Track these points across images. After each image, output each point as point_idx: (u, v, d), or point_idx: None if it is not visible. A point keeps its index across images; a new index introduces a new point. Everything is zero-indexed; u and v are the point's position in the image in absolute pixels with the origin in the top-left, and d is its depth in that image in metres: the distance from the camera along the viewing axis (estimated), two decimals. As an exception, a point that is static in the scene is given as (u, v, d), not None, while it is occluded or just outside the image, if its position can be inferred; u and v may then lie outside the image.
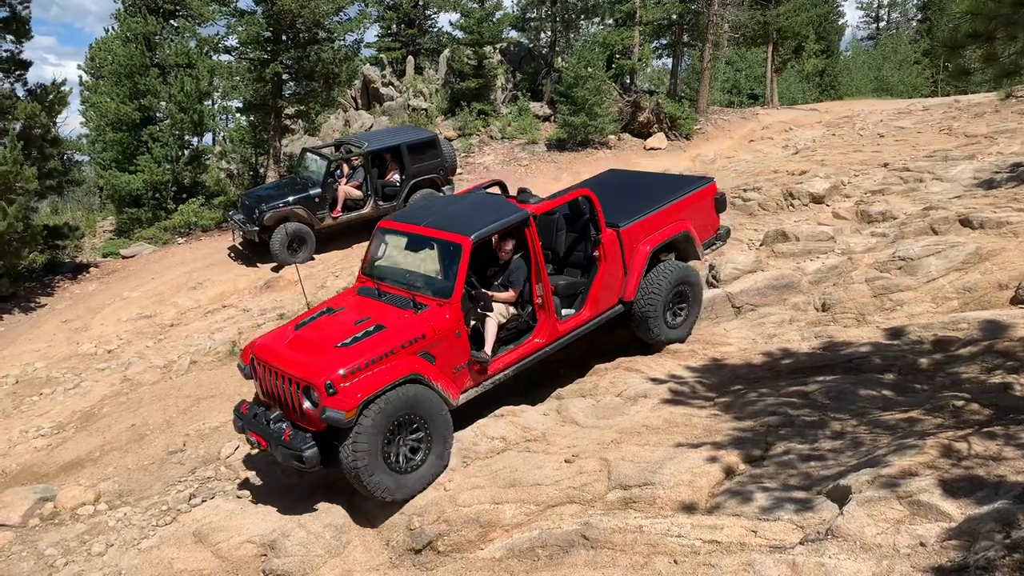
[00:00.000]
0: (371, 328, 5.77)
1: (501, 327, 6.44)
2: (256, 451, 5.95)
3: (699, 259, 7.86)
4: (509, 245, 6.61)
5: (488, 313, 6.25)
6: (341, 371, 5.36)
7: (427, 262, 6.63)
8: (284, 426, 5.64)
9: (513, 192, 7.07)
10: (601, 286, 6.97)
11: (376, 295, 6.34)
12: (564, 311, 6.86)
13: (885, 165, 12.72)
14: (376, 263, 6.85)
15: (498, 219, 6.32)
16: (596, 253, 6.97)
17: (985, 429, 4.54)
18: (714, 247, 8.29)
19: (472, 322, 6.29)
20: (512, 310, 6.58)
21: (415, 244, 6.71)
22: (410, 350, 5.66)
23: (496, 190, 7.49)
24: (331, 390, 5.29)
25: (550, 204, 6.77)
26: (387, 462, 5.38)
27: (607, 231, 6.98)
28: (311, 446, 5.43)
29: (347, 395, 5.27)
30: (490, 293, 6.34)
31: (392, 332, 5.73)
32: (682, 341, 7.52)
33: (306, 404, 5.46)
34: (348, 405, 5.21)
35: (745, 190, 12.12)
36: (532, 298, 6.57)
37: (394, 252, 6.87)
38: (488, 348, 6.22)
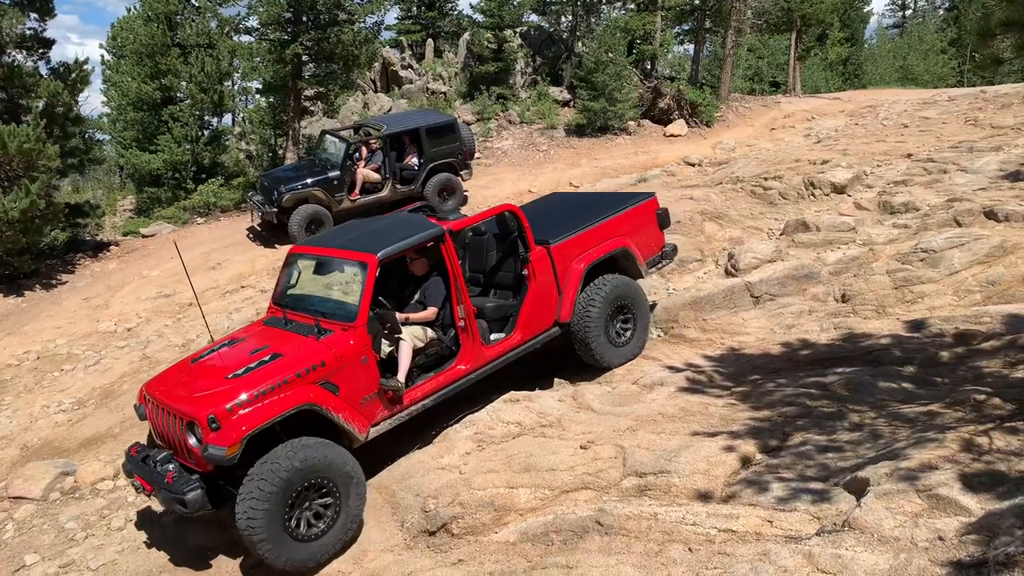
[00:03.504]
0: (266, 357, 5.41)
1: (418, 352, 6.07)
2: (141, 496, 5.61)
3: (643, 277, 7.43)
4: (422, 261, 6.38)
5: (400, 336, 5.84)
6: (227, 405, 5.00)
7: (335, 286, 6.34)
8: (170, 467, 5.24)
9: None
10: (532, 307, 6.59)
11: (282, 324, 5.97)
12: (493, 335, 6.48)
13: (909, 156, 12.55)
14: (287, 291, 6.49)
15: (409, 236, 6.01)
16: (525, 272, 6.59)
17: (1007, 424, 4.49)
18: (660, 266, 7.87)
19: (389, 348, 5.97)
20: (431, 333, 6.20)
21: (324, 267, 6.39)
22: (307, 379, 5.28)
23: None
24: (214, 425, 4.93)
25: (469, 220, 6.49)
26: (287, 529, 4.94)
27: (536, 248, 6.61)
28: (194, 488, 5.04)
29: (231, 429, 4.90)
30: (404, 315, 6.05)
31: (288, 360, 5.37)
32: (631, 359, 7.15)
33: (191, 441, 5.09)
34: (230, 440, 4.85)
35: (766, 179, 12.01)
36: (454, 321, 6.17)
37: (304, 278, 6.53)
38: (401, 375, 5.79)
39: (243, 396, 5.06)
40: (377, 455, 6.07)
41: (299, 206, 12.41)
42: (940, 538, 3.49)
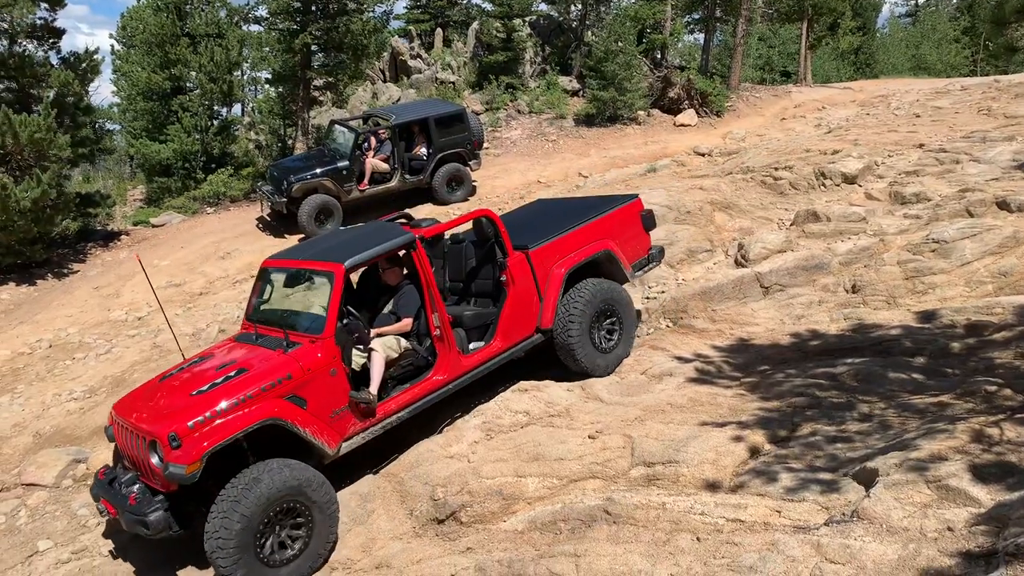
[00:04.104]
0: (232, 373, 5.31)
1: (392, 363, 5.93)
2: (106, 518, 5.53)
3: (628, 281, 7.20)
4: (395, 270, 6.28)
5: (372, 347, 5.73)
6: (189, 422, 4.88)
7: (305, 298, 6.23)
8: (134, 489, 5.14)
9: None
10: (512, 314, 6.37)
11: (252, 339, 5.87)
12: (473, 344, 6.33)
13: (920, 146, 12.44)
14: (259, 307, 6.37)
15: (378, 244, 5.89)
16: (503, 278, 6.38)
17: (1018, 415, 4.47)
18: (647, 268, 7.54)
19: (363, 360, 5.85)
20: (405, 343, 6.04)
21: (293, 280, 6.26)
22: (273, 393, 5.16)
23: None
24: (175, 443, 4.79)
25: (442, 227, 6.36)
26: (259, 556, 4.84)
27: (514, 253, 6.41)
28: (157, 509, 4.96)
29: (192, 447, 4.79)
30: (376, 329, 5.95)
31: (254, 375, 5.26)
32: (620, 361, 6.90)
33: (153, 460, 4.95)
34: (191, 458, 4.73)
35: (776, 169, 11.93)
36: (429, 330, 6.02)
37: (276, 292, 6.42)
38: (374, 387, 5.64)
39: (205, 412, 4.95)
40: (386, 444, 6.10)
41: (308, 196, 12.44)
42: (949, 529, 3.48)
